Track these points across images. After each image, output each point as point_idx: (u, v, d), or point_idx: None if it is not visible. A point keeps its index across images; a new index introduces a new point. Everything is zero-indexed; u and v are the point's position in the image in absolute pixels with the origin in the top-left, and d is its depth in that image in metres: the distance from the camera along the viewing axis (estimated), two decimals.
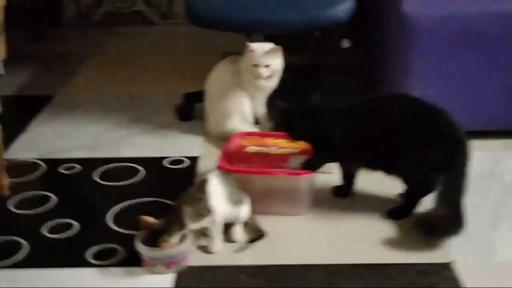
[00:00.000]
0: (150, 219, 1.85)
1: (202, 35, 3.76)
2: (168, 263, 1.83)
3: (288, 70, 2.58)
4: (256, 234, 1.98)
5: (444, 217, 1.89)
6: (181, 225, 1.84)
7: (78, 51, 3.87)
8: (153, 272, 1.83)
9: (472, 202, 2.00)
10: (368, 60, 2.82)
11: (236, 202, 1.96)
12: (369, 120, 2.02)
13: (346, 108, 2.08)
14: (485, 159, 2.39)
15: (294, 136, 2.12)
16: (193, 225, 1.87)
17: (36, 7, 4.02)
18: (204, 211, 1.87)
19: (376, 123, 2.01)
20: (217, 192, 1.91)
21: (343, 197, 2.19)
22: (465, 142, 1.98)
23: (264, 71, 2.48)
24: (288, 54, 2.53)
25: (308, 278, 1.81)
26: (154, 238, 1.81)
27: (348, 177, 2.19)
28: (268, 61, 2.48)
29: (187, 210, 1.84)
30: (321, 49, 3.19)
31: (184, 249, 1.85)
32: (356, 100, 2.09)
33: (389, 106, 2.04)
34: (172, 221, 1.84)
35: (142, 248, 1.83)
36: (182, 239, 1.85)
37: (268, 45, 2.50)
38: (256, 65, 2.49)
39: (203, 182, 1.92)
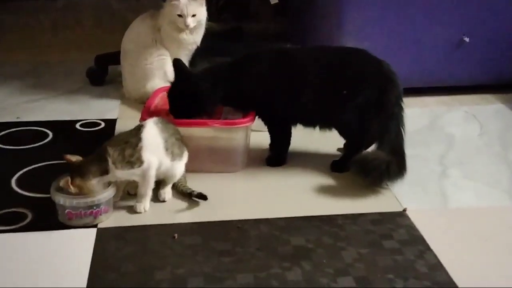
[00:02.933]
0: (74, 157, 1.59)
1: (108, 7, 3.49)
2: (92, 212, 1.58)
3: (209, 34, 2.38)
4: (197, 193, 1.72)
5: (385, 159, 1.75)
6: (103, 169, 1.58)
7: None
8: (76, 225, 1.59)
9: (418, 154, 1.94)
10: (292, 24, 2.66)
11: (175, 156, 1.71)
12: (289, 71, 1.86)
13: (265, 60, 1.89)
14: (424, 114, 2.31)
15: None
16: (119, 172, 1.60)
17: None
18: (134, 159, 1.61)
19: (298, 75, 1.85)
20: (153, 140, 1.66)
21: (278, 166, 1.95)
22: (394, 78, 1.83)
23: (190, 21, 2.26)
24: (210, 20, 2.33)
25: (251, 232, 1.60)
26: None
27: (283, 143, 1.97)
28: (195, 9, 2.25)
29: (112, 153, 1.59)
30: (244, 14, 3.01)
31: (108, 194, 1.61)
32: (270, 52, 1.92)
33: (308, 57, 1.89)
34: (93, 162, 1.58)
35: (61, 197, 1.57)
36: (105, 186, 1.61)
37: None
38: (181, 16, 2.26)
39: (139, 127, 1.67)
